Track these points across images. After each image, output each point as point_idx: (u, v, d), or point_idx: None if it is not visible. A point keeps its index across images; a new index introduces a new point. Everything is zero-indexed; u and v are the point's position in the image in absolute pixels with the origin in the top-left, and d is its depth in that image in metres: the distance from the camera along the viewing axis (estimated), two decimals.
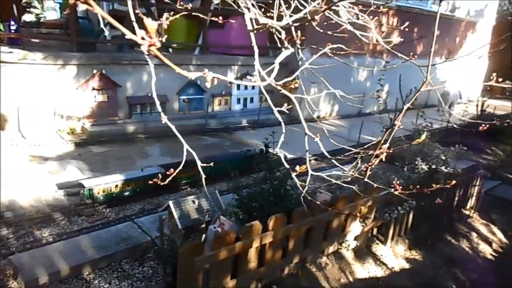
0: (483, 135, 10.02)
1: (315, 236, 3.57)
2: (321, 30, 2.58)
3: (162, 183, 1.43)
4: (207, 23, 9.16)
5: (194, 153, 1.48)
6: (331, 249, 3.87)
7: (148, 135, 7.39)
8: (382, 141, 1.48)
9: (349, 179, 5.32)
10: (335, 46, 1.87)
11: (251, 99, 9.61)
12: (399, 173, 5.85)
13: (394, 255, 4.34)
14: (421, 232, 4.78)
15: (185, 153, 1.47)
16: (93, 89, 7.25)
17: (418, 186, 1.66)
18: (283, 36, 1.54)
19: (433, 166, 5.26)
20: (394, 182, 1.61)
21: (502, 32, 16.94)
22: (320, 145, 1.70)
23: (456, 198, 5.27)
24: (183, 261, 2.63)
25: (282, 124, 1.65)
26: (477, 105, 9.74)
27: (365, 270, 4.00)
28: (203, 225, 3.59)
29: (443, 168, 5.20)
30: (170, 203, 3.50)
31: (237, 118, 9.14)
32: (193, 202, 3.61)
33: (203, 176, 1.56)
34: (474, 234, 5.22)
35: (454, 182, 1.60)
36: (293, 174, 1.60)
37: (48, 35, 9.05)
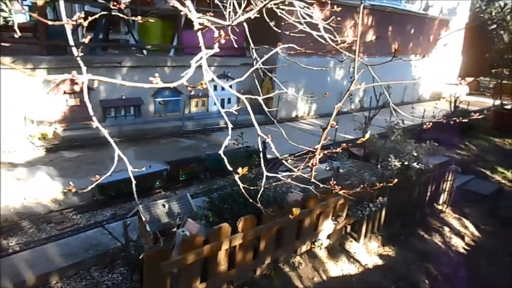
0: (457, 131, 10.26)
1: (287, 236, 3.57)
2: (279, 30, 2.57)
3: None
4: (181, 24, 9.09)
5: (125, 159, 1.44)
6: (304, 248, 3.87)
7: (122, 139, 7.27)
8: (320, 141, 1.47)
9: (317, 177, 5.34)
10: (286, 45, 1.86)
11: (229, 100, 9.59)
12: (373, 170, 5.92)
13: (367, 252, 4.38)
14: (394, 228, 4.84)
15: (116, 159, 1.43)
16: (65, 93, 7.10)
17: (362, 186, 1.66)
18: (216, 35, 1.51)
19: (406, 163, 5.34)
20: (331, 182, 1.61)
21: (475, 29, 17.39)
22: (271, 145, 1.69)
23: (428, 194, 5.35)
24: (148, 267, 2.59)
25: (229, 125, 1.61)
26: (450, 102, 9.93)
27: (338, 268, 4.02)
28: (174, 229, 3.54)
29: (414, 164, 5.28)
30: (140, 207, 3.45)
31: (215, 120, 9.09)
32: (163, 206, 3.56)
33: (134, 182, 1.54)
34: (446, 229, 5.31)
35: (396, 180, 1.61)
36: (236, 177, 1.58)
37: (17, 39, 8.82)
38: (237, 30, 2.35)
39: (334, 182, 1.57)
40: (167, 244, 3.00)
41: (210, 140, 7.93)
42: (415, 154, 5.45)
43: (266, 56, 1.86)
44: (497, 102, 12.30)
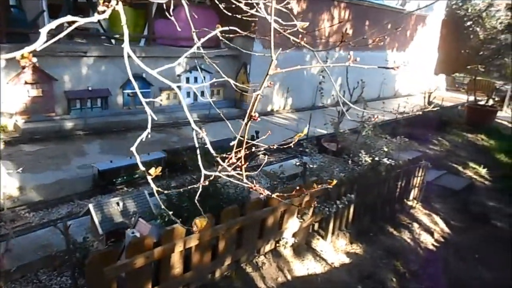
0: (431, 127, 10.32)
1: (249, 235, 3.41)
2: (230, 14, 2.37)
3: None
4: (152, 13, 8.79)
5: None
6: (268, 247, 3.72)
7: (88, 132, 6.97)
8: (245, 138, 1.30)
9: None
10: (226, 28, 1.67)
11: (202, 93, 9.33)
12: (343, 166, 5.84)
13: (335, 250, 4.27)
14: (363, 224, 4.75)
15: None
16: (26, 83, 6.73)
17: (298, 187, 1.50)
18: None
19: (376, 158, 5.27)
20: (253, 185, 1.43)
21: (451, 25, 17.57)
22: (206, 140, 1.50)
23: (398, 190, 5.29)
24: (91, 271, 2.39)
25: (149, 120, 1.42)
26: (424, 97, 9.95)
27: (304, 267, 3.89)
28: (129, 229, 3.33)
29: (385, 160, 5.21)
30: (90, 206, 3.23)
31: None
32: (118, 204, 3.35)
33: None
34: (416, 225, 5.26)
35: (334, 182, 1.45)
36: (149, 178, 1.40)
37: None
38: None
39: (254, 184, 1.40)
40: (116, 246, 2.80)
41: (180, 134, 7.70)
42: (385, 149, 5.38)
43: (203, 40, 1.65)
44: (471, 98, 12.45)
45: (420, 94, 14.17)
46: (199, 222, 1.30)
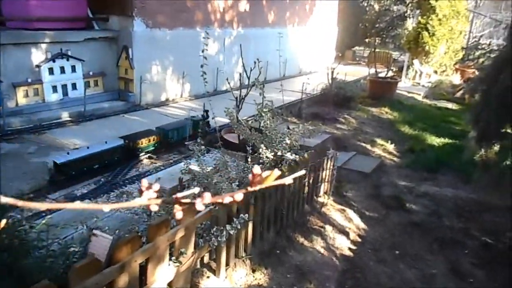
0: (337, 104, 9.86)
1: None
2: None
3: None
4: None
5: None
6: None
7: None
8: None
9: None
10: None
11: (74, 86, 7.65)
12: (243, 164, 4.85)
13: (232, 286, 3.28)
14: (267, 242, 3.83)
15: None
16: None
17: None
18: None
19: (279, 153, 4.38)
20: None
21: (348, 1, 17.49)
22: None
23: (306, 188, 4.48)
24: None
25: None
26: (327, 73, 9.40)
27: None
28: None
29: (288, 155, 4.33)
30: None
31: (55, 112, 7.16)
32: None
33: None
34: (329, 228, 4.50)
35: None
36: None
37: None
38: None
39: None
40: None
41: (42, 140, 6.07)
42: (288, 142, 4.48)
43: None
44: (372, 71, 12.35)
45: (324, 70, 13.87)
46: None
